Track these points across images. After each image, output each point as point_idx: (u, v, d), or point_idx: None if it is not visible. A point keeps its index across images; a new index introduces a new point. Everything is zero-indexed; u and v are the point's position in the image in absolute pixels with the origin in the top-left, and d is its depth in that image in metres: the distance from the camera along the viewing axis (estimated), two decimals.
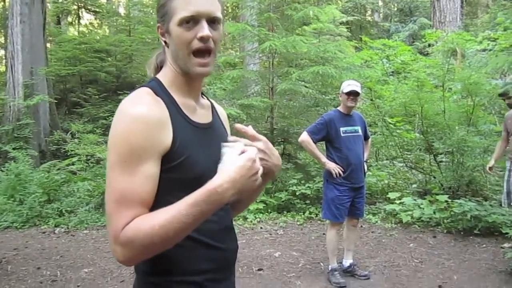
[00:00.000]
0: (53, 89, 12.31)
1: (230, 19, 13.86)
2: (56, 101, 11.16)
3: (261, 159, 1.11)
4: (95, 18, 20.28)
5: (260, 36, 6.23)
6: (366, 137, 4.05)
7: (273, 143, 6.62)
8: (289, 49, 5.69)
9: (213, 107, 1.34)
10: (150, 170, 1.03)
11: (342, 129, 3.82)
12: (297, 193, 6.00)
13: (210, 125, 1.25)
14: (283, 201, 5.99)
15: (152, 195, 1.05)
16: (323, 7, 7.28)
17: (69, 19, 20.16)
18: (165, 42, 1.17)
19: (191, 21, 1.09)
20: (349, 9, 14.48)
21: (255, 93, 7.07)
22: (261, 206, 5.88)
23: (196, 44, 1.10)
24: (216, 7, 1.13)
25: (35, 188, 6.38)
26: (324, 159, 3.85)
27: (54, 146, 9.66)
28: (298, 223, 5.61)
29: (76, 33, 17.86)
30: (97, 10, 18.90)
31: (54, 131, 10.23)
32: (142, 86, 1.15)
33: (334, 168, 3.75)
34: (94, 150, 7.26)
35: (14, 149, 8.27)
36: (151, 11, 16.95)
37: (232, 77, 6.16)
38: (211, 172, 1.06)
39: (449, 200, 5.26)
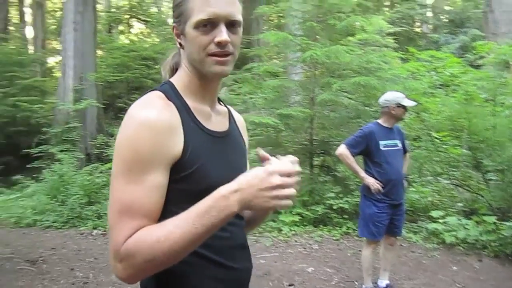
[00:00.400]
0: (101, 95, 12.78)
1: (274, 28, 13.85)
2: (103, 106, 11.57)
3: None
4: (145, 27, 20.94)
5: (302, 45, 6.14)
6: (405, 151, 3.86)
7: (312, 155, 6.56)
8: (331, 59, 5.57)
9: (230, 114, 1.27)
10: (158, 180, 0.97)
11: (382, 142, 3.65)
12: (334, 207, 5.83)
13: (226, 134, 1.17)
14: (319, 215, 5.83)
15: (159, 207, 0.98)
16: (369, 18, 7.10)
17: (121, 27, 20.91)
18: (180, 44, 1.11)
19: (208, 24, 1.03)
20: (397, 20, 14.13)
21: (296, 103, 6.98)
22: (296, 218, 5.75)
23: (213, 49, 1.04)
24: (236, 9, 1.07)
25: (76, 190, 6.57)
26: (362, 173, 3.68)
27: (98, 150, 9.95)
28: (334, 238, 5.43)
29: (126, 41, 18.47)
30: (147, 19, 19.53)
31: (99, 135, 10.55)
32: (154, 89, 1.09)
33: (373, 183, 3.57)
34: None
35: (61, 151, 8.59)
36: None
37: (272, 86, 6.09)
38: (223, 184, 0.97)
39: (498, 222, 4.93)
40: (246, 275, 1.18)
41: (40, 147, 9.08)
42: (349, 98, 6.31)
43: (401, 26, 11.84)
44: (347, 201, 5.83)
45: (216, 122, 1.15)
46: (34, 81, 11.35)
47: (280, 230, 5.63)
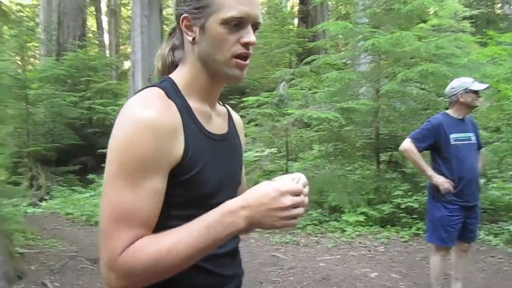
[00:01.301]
0: None
1: (340, 17, 13.37)
2: None
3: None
4: None
5: (364, 34, 5.77)
6: (479, 146, 3.40)
7: (378, 150, 6.16)
8: (396, 46, 5.15)
9: (229, 115, 1.19)
10: (157, 185, 0.90)
11: (452, 136, 3.24)
12: (402, 206, 5.41)
13: (225, 137, 1.10)
14: (386, 214, 5.45)
15: (157, 214, 0.92)
16: (443, 1, 6.54)
17: None
18: (193, 38, 1.00)
19: (237, 24, 0.97)
20: (474, 2, 13.04)
21: (360, 95, 6.61)
22: (361, 218, 5.42)
23: (239, 49, 0.98)
24: (260, 11, 1.02)
25: None
26: (430, 171, 3.29)
27: None
28: (402, 239, 5.03)
29: None
30: None
31: None
32: (152, 85, 1.00)
33: (443, 182, 3.18)
34: None
35: None
36: (264, 18, 17.26)
37: (333, 79, 5.79)
38: (220, 190, 1.01)
39: None
40: (237, 283, 1.12)
41: None
42: (423, 88, 5.85)
43: (478, 9, 10.87)
44: (416, 199, 5.39)
45: (216, 124, 1.09)
46: (107, 84, 11.89)
47: (343, 231, 5.33)
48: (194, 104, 1.01)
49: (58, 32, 13.85)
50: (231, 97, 12.39)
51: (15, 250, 4.25)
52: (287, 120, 5.70)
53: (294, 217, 0.88)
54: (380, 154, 6.16)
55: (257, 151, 8.07)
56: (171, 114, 0.94)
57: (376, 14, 5.88)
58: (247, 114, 6.45)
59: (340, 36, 6.39)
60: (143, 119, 0.89)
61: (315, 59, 6.45)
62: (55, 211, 7.54)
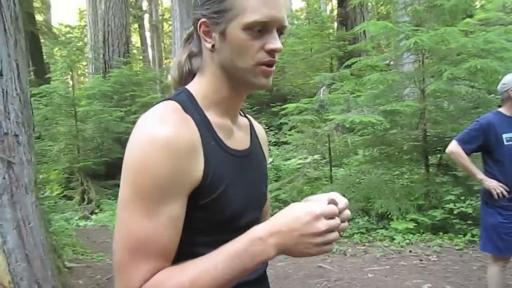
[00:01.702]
0: None
1: (381, 17, 13.03)
2: None
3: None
4: None
5: (406, 32, 5.54)
6: None
7: (426, 153, 5.87)
8: (440, 44, 4.89)
9: (252, 127, 1.09)
10: (176, 211, 0.82)
11: (505, 136, 3.00)
12: (455, 211, 5.11)
13: (248, 153, 1.01)
14: (438, 220, 5.16)
15: (176, 243, 0.84)
16: None
17: None
18: (212, 45, 0.91)
19: (261, 28, 0.88)
20: None
21: (405, 96, 6.35)
22: (411, 225, 5.16)
23: (264, 57, 0.89)
24: (285, 14, 0.92)
25: None
26: (480, 175, 3.06)
27: None
28: (457, 247, 4.73)
29: None
30: None
31: None
32: (168, 98, 0.92)
33: (495, 186, 2.94)
34: None
35: None
36: (304, 24, 17.15)
37: (374, 81, 5.59)
38: (246, 211, 0.94)
39: None
40: None
41: None
42: (472, 86, 5.53)
43: None
44: (470, 204, 5.07)
45: (238, 139, 1.00)
46: (151, 98, 12.16)
47: (392, 239, 5.10)
48: (214, 118, 0.93)
49: (104, 50, 14.39)
50: (272, 104, 12.34)
51: (64, 264, 4.35)
52: (328, 126, 5.55)
53: (329, 242, 0.79)
54: (429, 157, 5.87)
55: (300, 158, 7.95)
56: (189, 131, 0.85)
57: (417, 12, 5.64)
58: (288, 121, 6.34)
59: (382, 37, 6.16)
60: (158, 137, 0.81)
61: (355, 62, 6.27)
62: (104, 224, 7.74)
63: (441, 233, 5.09)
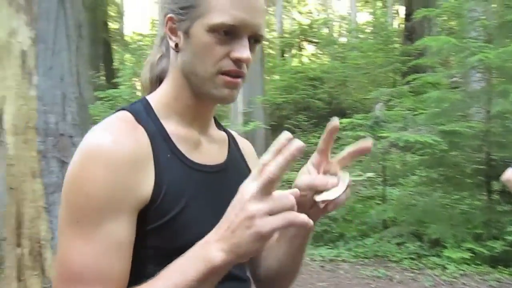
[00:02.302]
0: (270, 116, 13.35)
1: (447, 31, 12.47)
2: (272, 128, 12.02)
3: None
4: (315, 48, 21.33)
5: (471, 49, 5.21)
6: None
7: (489, 178, 5.46)
8: (508, 62, 4.55)
9: (231, 141, 0.96)
10: (117, 233, 0.70)
11: None
12: None
13: (221, 168, 0.87)
14: (497, 252, 4.75)
15: (123, 271, 0.72)
16: None
17: (293, 51, 21.72)
18: (176, 44, 0.82)
19: (229, 32, 0.77)
20: None
21: (469, 116, 5.98)
22: (467, 255, 4.80)
23: (228, 66, 0.79)
24: (263, 21, 0.81)
25: None
26: None
27: None
28: None
29: (297, 64, 19.07)
30: (318, 40, 19.86)
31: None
32: (122, 108, 0.84)
33: None
34: (290, 176, 7.31)
35: None
36: (369, 38, 16.82)
37: (434, 99, 5.31)
38: None
39: None
40: None
41: None
42: None
43: None
44: None
45: (209, 153, 0.87)
46: None
47: (444, 268, 4.76)
48: (175, 128, 0.83)
49: None
50: (330, 118, 12.16)
51: None
52: (382, 144, 5.33)
53: (273, 230, 0.60)
54: (492, 183, 5.46)
55: (354, 175, 7.72)
56: (135, 142, 0.75)
57: (486, 27, 5.30)
58: (341, 137, 6.19)
59: (445, 52, 5.86)
60: (93, 148, 0.72)
61: (416, 78, 6.00)
62: None
63: (500, 267, 4.68)
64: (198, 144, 0.86)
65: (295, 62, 19.47)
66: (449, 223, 5.13)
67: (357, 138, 6.46)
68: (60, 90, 3.81)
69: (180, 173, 0.79)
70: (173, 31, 0.82)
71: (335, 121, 0.78)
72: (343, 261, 5.23)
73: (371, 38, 16.31)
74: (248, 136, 10.85)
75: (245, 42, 0.78)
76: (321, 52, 21.12)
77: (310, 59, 21.24)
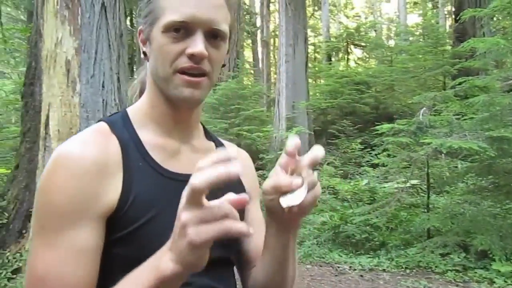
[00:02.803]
0: (315, 121, 13.24)
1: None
2: (317, 133, 11.93)
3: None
4: (362, 52, 20.95)
5: None
6: None
7: None
8: None
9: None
10: (81, 241, 0.70)
11: None
12: None
13: None
14: None
15: (87, 277, 0.72)
16: None
17: (340, 55, 21.46)
18: (144, 53, 0.85)
19: (181, 29, 0.78)
20: None
21: None
22: None
23: (183, 63, 0.78)
24: (221, 16, 0.81)
25: None
26: None
27: None
28: None
29: (344, 69, 18.82)
30: (364, 44, 19.51)
31: None
32: (101, 119, 0.86)
33: None
34: (332, 182, 7.21)
35: None
36: (419, 40, 16.33)
37: (480, 104, 5.05)
38: None
39: None
40: None
41: (258, 172, 9.91)
42: None
43: None
44: None
45: (189, 162, 0.84)
46: (254, 111, 12.49)
47: (492, 282, 4.50)
48: (151, 137, 0.83)
49: None
50: (377, 123, 11.88)
51: None
52: (425, 150, 5.14)
53: (206, 239, 0.57)
54: None
55: (398, 182, 7.49)
56: (102, 150, 0.76)
57: None
58: (382, 142, 6.03)
59: (498, 54, 5.56)
60: (61, 157, 0.73)
61: (462, 82, 5.74)
62: None
63: None
64: (176, 153, 0.86)
65: (341, 66, 19.23)
66: (499, 234, 4.85)
67: (399, 145, 6.30)
68: (101, 97, 3.96)
69: (152, 182, 0.79)
70: (143, 42, 0.85)
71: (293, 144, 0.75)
72: (384, 270, 5.08)
73: (421, 40, 15.81)
74: None
75: (198, 37, 0.77)
76: (368, 56, 20.75)
77: (357, 63, 20.91)
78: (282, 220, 0.79)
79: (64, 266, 0.69)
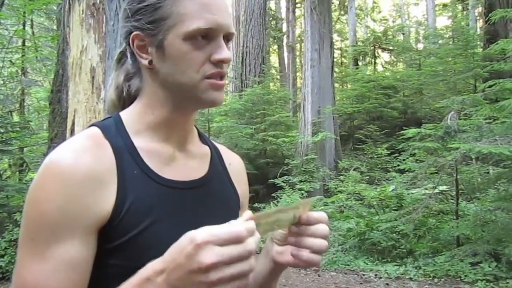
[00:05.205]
0: (341, 126, 13.09)
1: None
2: (343, 138, 11.79)
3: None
4: (390, 56, 20.65)
5: None
6: None
7: None
8: None
9: (215, 156, 0.92)
10: (71, 253, 0.69)
11: None
12: None
13: (199, 183, 0.85)
14: None
15: None
16: None
17: (367, 59, 21.20)
18: (150, 61, 0.80)
19: (205, 37, 0.78)
20: None
21: None
22: None
23: (210, 69, 0.79)
24: (231, 19, 0.83)
25: None
26: None
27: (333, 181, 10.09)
28: None
29: (371, 73, 18.58)
30: (391, 47, 19.23)
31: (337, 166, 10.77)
32: (93, 124, 0.83)
33: None
34: (358, 188, 7.10)
35: (300, 181, 9.18)
36: (448, 43, 15.97)
37: (508, 106, 4.87)
38: None
39: None
40: None
41: (284, 177, 9.87)
42: None
43: None
44: None
45: (184, 168, 0.84)
46: (280, 117, 12.46)
47: None
48: (146, 143, 0.81)
49: (242, 69, 15.27)
50: (405, 128, 11.65)
51: None
52: (453, 155, 4.99)
53: (226, 280, 0.58)
54: None
55: (426, 188, 7.31)
56: (94, 158, 0.74)
57: None
58: (408, 147, 5.89)
59: None
60: (52, 166, 0.72)
61: (493, 85, 5.56)
62: None
63: None
64: (172, 160, 0.84)
65: (368, 71, 18.98)
66: None
67: (426, 150, 6.14)
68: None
69: (148, 190, 0.77)
70: (142, 49, 0.81)
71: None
72: (410, 279, 4.95)
73: (450, 43, 15.46)
74: (317, 146, 10.72)
75: (222, 43, 0.79)
76: (396, 60, 20.43)
77: (384, 67, 20.62)
78: (282, 268, 0.86)
79: (53, 278, 0.68)
